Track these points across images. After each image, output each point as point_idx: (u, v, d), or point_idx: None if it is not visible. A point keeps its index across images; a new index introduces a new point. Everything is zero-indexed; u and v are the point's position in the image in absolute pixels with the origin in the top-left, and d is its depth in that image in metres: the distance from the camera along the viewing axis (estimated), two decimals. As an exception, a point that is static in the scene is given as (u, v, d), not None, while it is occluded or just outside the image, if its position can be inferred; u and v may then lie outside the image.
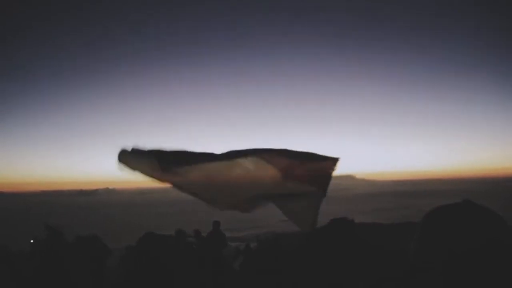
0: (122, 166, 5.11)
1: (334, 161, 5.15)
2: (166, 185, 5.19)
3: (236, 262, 12.77)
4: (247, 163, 5.07)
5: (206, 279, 5.73)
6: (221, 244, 12.65)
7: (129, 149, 5.13)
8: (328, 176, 5.13)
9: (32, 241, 10.55)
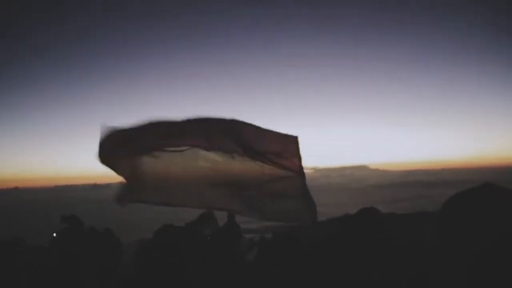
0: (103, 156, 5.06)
1: (294, 138, 5.08)
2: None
3: (250, 254, 12.72)
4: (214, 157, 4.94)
5: (220, 272, 5.66)
6: (235, 236, 12.61)
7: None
8: (297, 154, 5.03)
9: (54, 234, 10.48)
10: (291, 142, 4.99)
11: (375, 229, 3.59)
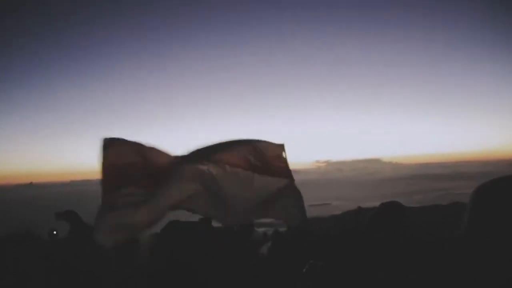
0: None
1: (280, 146, 5.25)
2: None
3: (264, 247, 12.69)
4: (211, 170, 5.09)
5: (233, 266, 5.66)
6: (249, 230, 12.58)
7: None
8: (285, 161, 5.22)
9: (55, 232, 10.30)
10: (279, 149, 5.27)
11: (400, 224, 3.55)
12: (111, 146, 5.17)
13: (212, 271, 4.50)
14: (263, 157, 5.20)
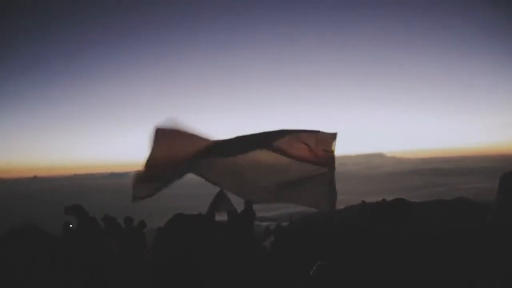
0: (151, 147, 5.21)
1: (332, 135, 5.25)
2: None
3: (266, 242, 12.71)
4: (257, 155, 5.18)
5: (236, 259, 5.66)
6: (252, 224, 12.56)
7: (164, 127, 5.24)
8: (331, 152, 5.23)
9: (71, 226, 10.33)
10: (330, 138, 5.28)
11: (404, 220, 3.52)
12: (162, 137, 5.22)
13: (215, 265, 4.50)
14: (310, 144, 5.25)
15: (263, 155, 5.21)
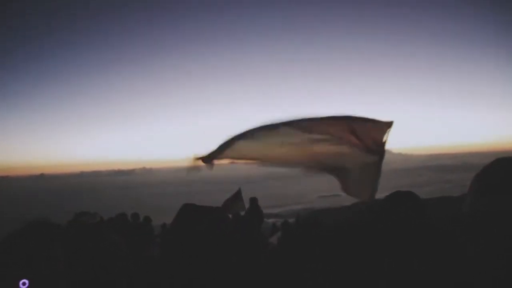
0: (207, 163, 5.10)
1: (388, 124, 5.02)
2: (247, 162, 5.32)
3: (273, 238, 12.70)
4: (307, 136, 5.08)
5: (242, 256, 5.64)
6: (259, 221, 12.56)
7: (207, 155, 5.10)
8: (384, 141, 5.03)
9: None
10: (386, 126, 5.07)
11: (413, 214, 3.48)
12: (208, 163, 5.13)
13: (221, 260, 4.48)
14: (364, 131, 5.06)
15: (312, 139, 5.08)
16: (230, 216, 14.31)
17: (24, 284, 1.89)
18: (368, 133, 5.05)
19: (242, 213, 13.34)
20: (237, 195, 15.63)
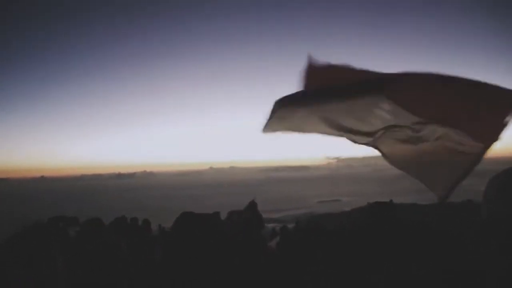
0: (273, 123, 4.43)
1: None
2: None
3: (272, 242, 12.71)
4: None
5: (242, 260, 5.66)
6: (258, 226, 12.51)
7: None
8: (503, 123, 3.37)
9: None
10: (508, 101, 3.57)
11: (384, 223, 3.49)
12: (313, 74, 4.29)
13: (221, 265, 4.51)
14: (476, 106, 3.55)
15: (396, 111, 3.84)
16: (230, 222, 14.30)
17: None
18: (487, 107, 3.19)
19: (241, 217, 13.27)
20: (252, 207, 15.23)
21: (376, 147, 4.40)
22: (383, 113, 3.92)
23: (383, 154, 4.27)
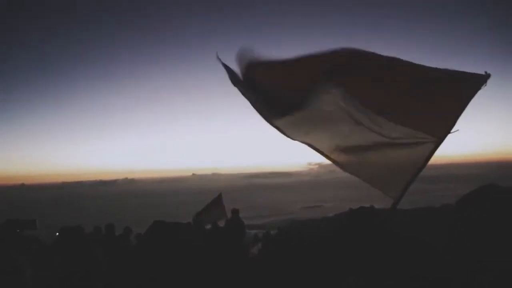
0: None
1: (483, 77, 3.21)
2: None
3: (254, 249, 12.70)
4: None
5: (224, 266, 5.62)
6: (240, 233, 12.50)
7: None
8: (459, 108, 3.30)
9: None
10: (475, 83, 3.26)
11: (365, 229, 3.49)
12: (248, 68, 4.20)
13: (201, 272, 4.47)
14: (429, 95, 3.41)
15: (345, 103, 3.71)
16: (210, 225, 14.27)
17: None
18: (443, 97, 3.39)
19: (222, 223, 13.31)
20: (218, 200, 15.54)
21: (328, 157, 4.34)
22: (335, 98, 3.80)
23: (334, 161, 4.25)
